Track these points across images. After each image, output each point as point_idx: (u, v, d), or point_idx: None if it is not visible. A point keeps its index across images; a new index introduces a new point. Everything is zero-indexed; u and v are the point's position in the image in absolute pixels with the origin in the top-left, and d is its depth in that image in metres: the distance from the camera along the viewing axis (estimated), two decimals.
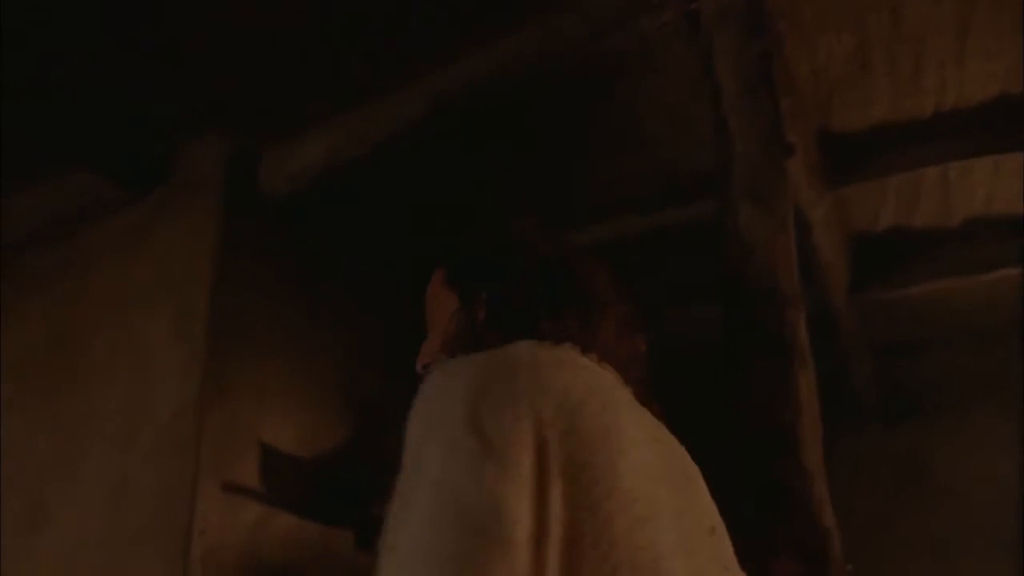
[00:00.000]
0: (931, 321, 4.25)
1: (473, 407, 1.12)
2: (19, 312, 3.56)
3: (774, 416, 1.87)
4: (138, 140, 3.13)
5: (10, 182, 3.27)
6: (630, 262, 3.65)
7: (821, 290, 3.61)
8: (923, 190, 3.47)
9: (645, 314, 1.44)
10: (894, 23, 2.72)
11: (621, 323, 1.40)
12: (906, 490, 4.47)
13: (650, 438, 1.25)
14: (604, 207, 3.33)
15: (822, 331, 2.72)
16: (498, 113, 2.84)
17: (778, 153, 2.29)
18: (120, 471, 2.87)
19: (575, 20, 2.52)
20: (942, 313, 4.16)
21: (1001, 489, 4.19)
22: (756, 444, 1.89)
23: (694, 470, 1.32)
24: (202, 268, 2.92)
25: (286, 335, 3.04)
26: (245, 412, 2.85)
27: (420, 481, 1.10)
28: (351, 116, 2.87)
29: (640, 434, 1.22)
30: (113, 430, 2.95)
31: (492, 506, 1.06)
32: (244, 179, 3.05)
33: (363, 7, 2.58)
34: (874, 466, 4.51)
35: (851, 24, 2.73)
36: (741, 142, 2.25)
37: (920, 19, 2.70)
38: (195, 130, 3.07)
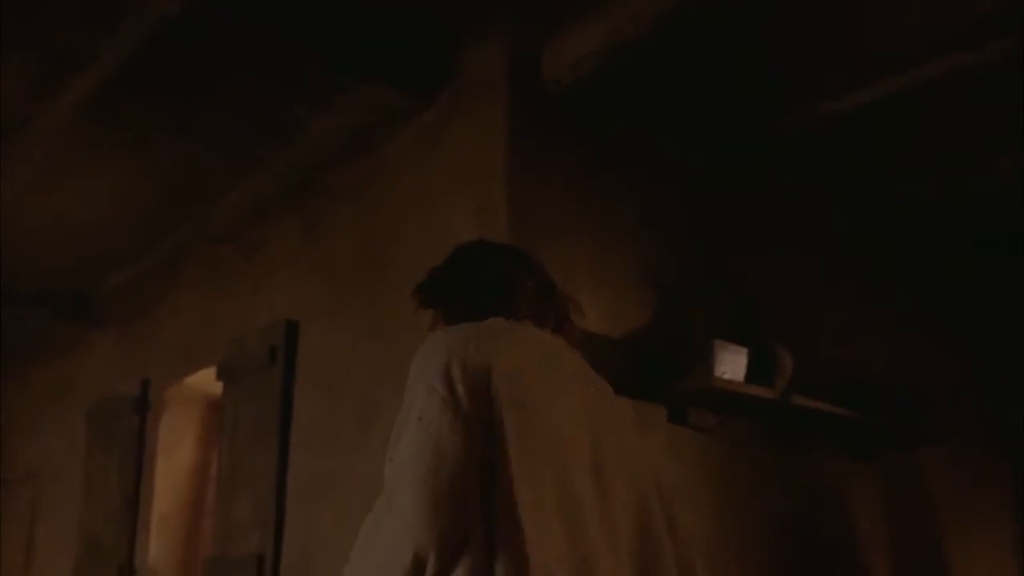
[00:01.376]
0: None
1: (447, 365, 1.70)
2: (328, 224, 3.85)
3: None
4: (422, 48, 3.31)
5: (313, 104, 3.53)
6: (924, 113, 3.57)
7: None
8: None
9: None
10: None
11: (542, 299, 2.04)
12: None
13: (572, 384, 1.85)
14: (897, 55, 3.25)
15: None
16: None
17: None
18: None
19: None
20: None
21: None
22: None
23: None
24: (496, 163, 3.07)
25: (584, 219, 3.15)
26: None
27: (411, 414, 1.70)
28: None
29: (562, 382, 1.83)
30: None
31: (453, 440, 1.63)
32: (527, 72, 3.16)
33: None
34: None
35: None
36: None
37: None
38: (475, 30, 3.21)
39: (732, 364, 3.22)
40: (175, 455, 4.76)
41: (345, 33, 3.19)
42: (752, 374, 3.29)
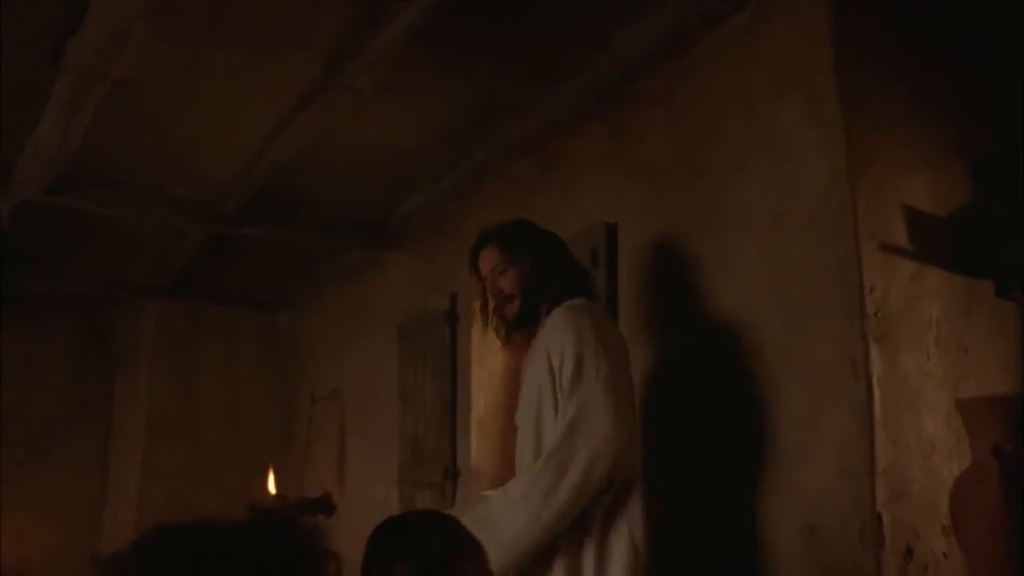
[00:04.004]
0: None
1: (598, 333, 3.17)
2: (637, 129, 4.14)
3: None
4: None
5: (621, 15, 3.80)
6: None
7: None
8: None
9: None
10: None
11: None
12: None
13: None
14: None
15: None
16: None
17: None
18: (778, 247, 3.36)
19: None
20: None
21: None
22: None
23: None
24: (822, 55, 3.27)
25: (908, 103, 3.33)
26: (887, 179, 3.21)
27: (587, 369, 3.10)
28: None
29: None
30: (762, 213, 3.44)
31: (621, 384, 3.19)
32: None
33: None
34: None
35: None
36: None
37: None
38: None
39: None
40: (488, 362, 5.18)
41: None
42: None
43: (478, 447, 5.09)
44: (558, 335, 3.18)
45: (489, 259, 3.45)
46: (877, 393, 3.00)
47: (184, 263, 6.73)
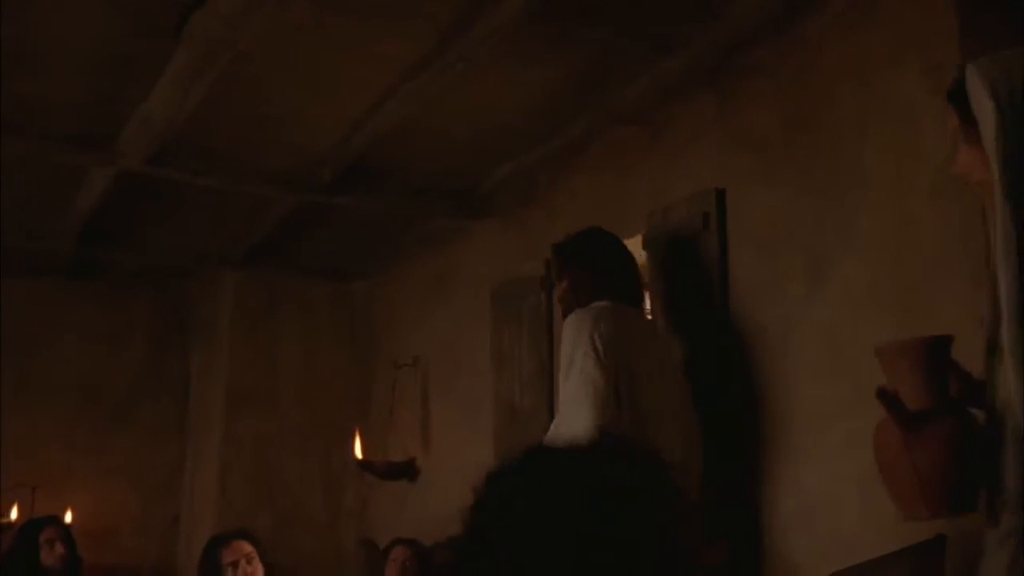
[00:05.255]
0: None
1: (591, 334, 3.68)
2: (746, 97, 4.34)
3: None
4: None
5: None
6: None
7: None
8: None
9: None
10: None
11: (636, 284, 4.17)
12: None
13: (646, 337, 4.02)
14: None
15: None
16: None
17: None
18: (899, 215, 3.55)
19: None
20: None
21: None
22: None
23: (667, 347, 4.17)
24: (944, 23, 3.45)
25: None
26: None
27: (575, 367, 3.65)
28: None
29: (639, 337, 3.94)
30: (883, 178, 3.63)
31: (599, 379, 3.61)
32: None
33: None
34: None
35: None
36: None
37: None
38: None
39: None
40: None
41: None
42: None
43: None
44: (564, 336, 3.85)
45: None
46: None
47: (264, 234, 6.92)
